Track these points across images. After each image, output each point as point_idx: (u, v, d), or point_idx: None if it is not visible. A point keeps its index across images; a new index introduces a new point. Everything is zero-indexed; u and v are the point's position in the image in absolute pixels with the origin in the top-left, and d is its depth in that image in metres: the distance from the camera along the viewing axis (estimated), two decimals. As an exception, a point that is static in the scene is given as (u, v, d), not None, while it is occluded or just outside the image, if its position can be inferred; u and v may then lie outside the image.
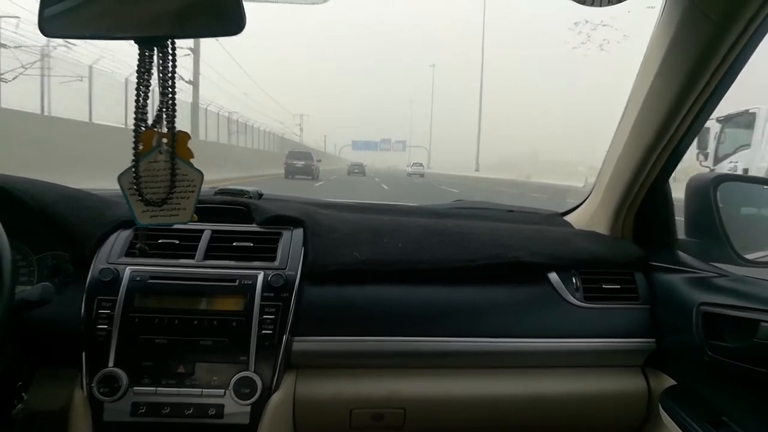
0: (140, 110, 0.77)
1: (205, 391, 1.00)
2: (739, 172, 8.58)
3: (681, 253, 1.24)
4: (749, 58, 1.00)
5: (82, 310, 1.02)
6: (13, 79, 11.94)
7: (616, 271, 1.24)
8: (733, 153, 9.49)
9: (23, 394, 0.99)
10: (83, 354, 1.00)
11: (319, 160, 27.52)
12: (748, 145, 9.17)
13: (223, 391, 1.00)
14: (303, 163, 24.03)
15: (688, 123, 1.11)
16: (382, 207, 1.57)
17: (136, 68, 0.74)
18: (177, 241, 1.13)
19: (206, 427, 1.00)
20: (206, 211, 1.19)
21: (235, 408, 1.00)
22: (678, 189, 1.27)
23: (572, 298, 1.18)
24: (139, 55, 0.73)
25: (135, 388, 0.99)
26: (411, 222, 1.32)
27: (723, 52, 0.97)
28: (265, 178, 22.31)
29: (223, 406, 1.00)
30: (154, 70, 0.76)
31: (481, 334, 1.12)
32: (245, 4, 0.71)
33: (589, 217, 1.43)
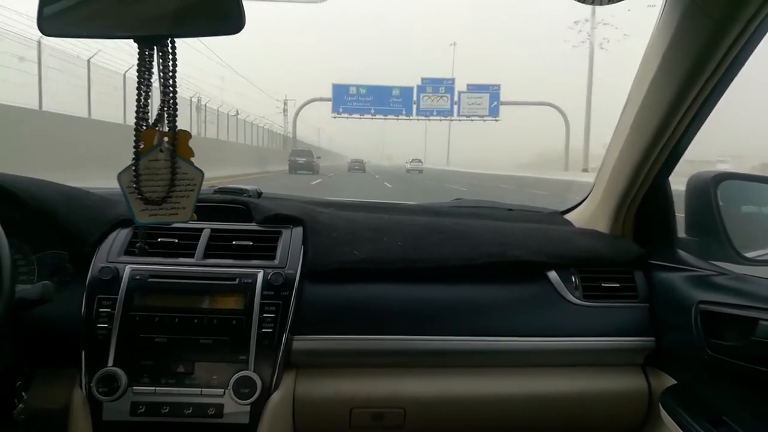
0: (141, 109, 0.77)
1: (204, 390, 1.00)
2: None
3: (681, 252, 1.24)
4: (749, 56, 1.00)
5: (82, 309, 1.02)
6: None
7: (616, 269, 1.24)
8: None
9: (23, 393, 0.99)
10: (83, 353, 1.00)
11: (319, 157, 30.02)
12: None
13: (222, 390, 1.00)
14: (304, 159, 27.06)
15: (688, 121, 1.11)
16: (382, 205, 1.57)
17: (137, 67, 0.74)
18: (176, 240, 1.13)
19: (206, 426, 1.00)
20: (205, 209, 1.19)
21: (235, 407, 1.00)
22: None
23: (571, 296, 1.18)
24: (139, 54, 0.73)
25: (134, 387, 0.99)
26: (411, 220, 1.32)
27: (723, 51, 0.97)
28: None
29: (222, 405, 1.00)
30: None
31: (480, 333, 1.12)
32: (245, 4, 0.71)
33: (590, 215, 1.43)
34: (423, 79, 40.96)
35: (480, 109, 40.42)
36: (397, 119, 41.90)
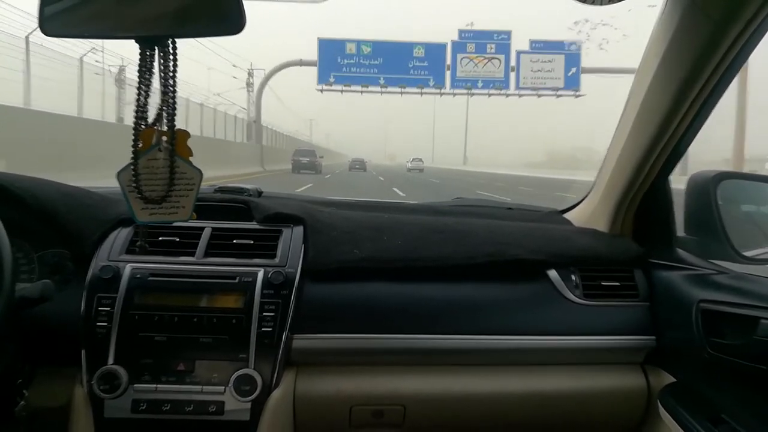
0: (141, 109, 0.77)
1: (205, 388, 1.01)
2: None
3: (680, 251, 1.24)
4: (749, 57, 1.00)
5: (83, 308, 1.02)
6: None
7: (616, 268, 1.24)
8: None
9: (24, 391, 0.99)
10: (83, 351, 1.01)
11: (322, 157, 29.56)
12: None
13: (223, 388, 1.01)
14: (308, 159, 26.45)
15: (688, 121, 1.11)
16: (383, 205, 1.57)
17: (137, 67, 0.74)
18: (177, 239, 1.14)
19: (206, 423, 1.00)
20: (206, 209, 1.19)
21: (236, 405, 1.01)
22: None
23: (572, 295, 1.19)
24: (140, 54, 0.74)
25: (135, 385, 1.00)
26: (411, 219, 1.32)
27: (723, 51, 0.97)
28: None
29: (223, 403, 1.00)
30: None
31: (480, 332, 1.13)
32: (245, 4, 0.71)
33: (589, 214, 1.43)
34: (461, 32, 24.71)
35: (551, 79, 24.75)
36: (421, 93, 25.26)
